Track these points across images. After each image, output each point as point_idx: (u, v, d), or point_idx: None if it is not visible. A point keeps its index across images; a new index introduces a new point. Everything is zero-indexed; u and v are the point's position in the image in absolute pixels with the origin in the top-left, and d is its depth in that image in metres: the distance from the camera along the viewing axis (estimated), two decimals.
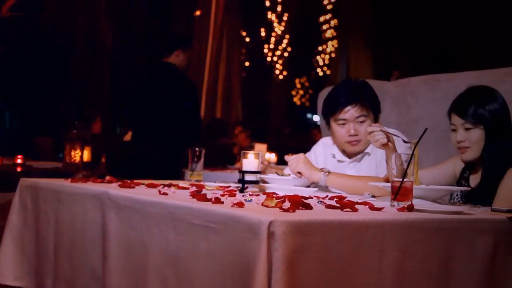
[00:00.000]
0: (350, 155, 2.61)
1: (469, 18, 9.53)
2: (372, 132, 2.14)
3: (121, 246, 1.77)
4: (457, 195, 2.24)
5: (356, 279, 1.39)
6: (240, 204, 1.51)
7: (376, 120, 2.57)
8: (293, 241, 1.29)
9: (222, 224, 1.42)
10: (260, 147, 5.14)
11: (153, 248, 1.63)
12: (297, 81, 14.52)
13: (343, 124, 2.51)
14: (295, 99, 14.56)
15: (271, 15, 12.30)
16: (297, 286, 1.29)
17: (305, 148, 2.88)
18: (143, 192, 1.85)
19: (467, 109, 2.12)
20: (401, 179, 1.72)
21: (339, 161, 2.64)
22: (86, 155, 3.07)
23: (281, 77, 13.09)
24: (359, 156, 2.57)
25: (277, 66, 12.83)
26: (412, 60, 10.63)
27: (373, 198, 2.10)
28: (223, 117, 9.04)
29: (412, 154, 1.74)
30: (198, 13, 9.67)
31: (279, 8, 12.33)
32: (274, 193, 1.99)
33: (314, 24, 12.86)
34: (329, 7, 12.77)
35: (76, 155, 3.01)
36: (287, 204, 1.52)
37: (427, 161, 2.91)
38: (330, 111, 2.55)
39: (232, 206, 1.50)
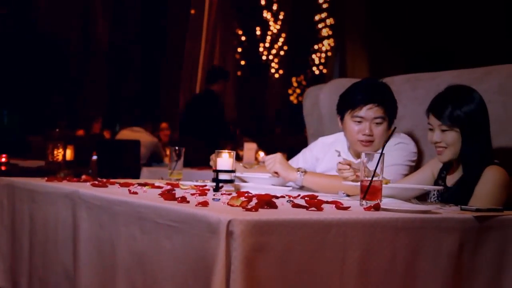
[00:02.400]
0: (356, 155, 2.57)
1: (466, 18, 9.54)
2: (340, 169, 2.11)
3: (91, 246, 1.78)
4: (433, 194, 2.24)
5: (319, 279, 1.39)
6: (204, 204, 1.51)
7: (390, 125, 2.51)
8: (252, 240, 1.30)
9: (184, 223, 1.42)
10: (250, 145, 5.12)
11: (121, 248, 1.64)
12: (293, 79, 14.51)
13: (359, 122, 2.47)
14: (292, 98, 14.54)
15: (266, 14, 12.30)
16: (256, 285, 1.30)
17: (294, 148, 2.86)
18: (112, 191, 1.85)
19: (444, 111, 2.12)
20: (370, 179, 1.72)
21: (344, 159, 2.60)
22: (69, 154, 3.07)
23: (277, 75, 13.08)
24: None
25: (273, 64, 12.83)
26: (409, 59, 10.64)
27: (347, 197, 2.11)
28: None
29: (382, 153, 1.74)
30: (192, 12, 9.67)
31: (274, 7, 12.33)
32: (247, 192, 1.99)
33: (310, 22, 12.86)
34: (324, 5, 12.79)
35: (58, 154, 3.01)
36: (253, 203, 1.52)
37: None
38: (348, 106, 2.50)
39: (196, 205, 1.50)
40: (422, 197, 2.16)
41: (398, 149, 2.46)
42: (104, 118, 9.10)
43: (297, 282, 1.36)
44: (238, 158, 5.99)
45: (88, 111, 9.39)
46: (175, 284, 1.43)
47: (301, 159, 2.77)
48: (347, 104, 2.51)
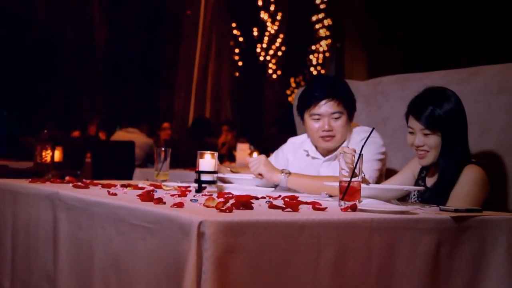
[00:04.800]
0: (324, 153, 2.61)
1: (466, 17, 9.54)
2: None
3: (70, 247, 1.78)
4: (414, 195, 2.24)
5: (292, 280, 1.39)
6: (179, 205, 1.51)
7: (350, 118, 2.56)
8: (224, 241, 1.29)
9: (158, 224, 1.42)
10: (243, 146, 5.13)
11: (98, 248, 1.64)
12: (292, 80, 14.51)
13: (318, 119, 2.50)
14: (290, 99, 14.53)
15: (263, 15, 12.30)
16: (228, 286, 1.29)
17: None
18: (92, 193, 1.85)
19: (423, 112, 2.12)
20: (348, 179, 1.72)
21: (313, 158, 2.64)
22: (57, 155, 3.07)
23: (274, 76, 13.07)
24: (333, 154, 2.57)
25: (270, 65, 12.82)
26: (407, 60, 10.64)
27: (329, 198, 2.10)
28: (212, 117, 9.04)
29: (360, 154, 1.74)
30: (188, 12, 9.67)
31: (272, 8, 12.32)
32: (229, 193, 1.99)
33: (307, 23, 12.85)
34: (322, 6, 12.78)
35: (47, 155, 3.01)
36: (229, 204, 1.52)
37: (396, 160, 2.92)
38: (305, 105, 2.54)
39: (171, 206, 1.50)
40: (404, 198, 2.17)
41: (367, 145, 2.47)
42: (101, 119, 9.10)
43: (270, 282, 1.36)
44: (233, 159, 6.00)
45: (84, 113, 9.39)
46: (149, 284, 1.43)
47: (273, 160, 2.78)
48: (304, 103, 2.55)
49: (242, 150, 5.04)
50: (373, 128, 1.93)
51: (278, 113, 13.35)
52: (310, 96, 2.53)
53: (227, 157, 6.56)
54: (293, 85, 14.55)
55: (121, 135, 6.58)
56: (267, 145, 6.28)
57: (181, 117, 9.24)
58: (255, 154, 5.69)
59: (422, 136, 2.13)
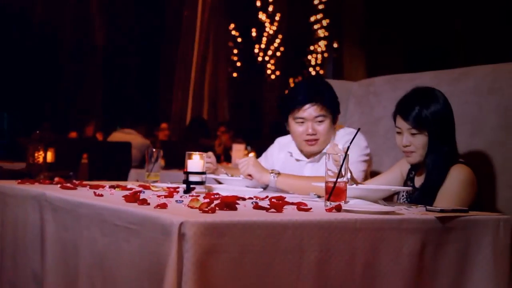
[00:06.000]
0: (308, 155, 2.62)
1: (465, 17, 9.54)
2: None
3: (56, 248, 1.78)
4: (402, 195, 2.24)
5: (275, 280, 1.39)
6: (163, 206, 1.51)
7: (334, 121, 2.57)
8: (205, 242, 1.29)
9: (141, 225, 1.42)
10: (239, 146, 5.13)
11: (83, 250, 1.64)
12: (291, 80, 14.51)
13: (302, 122, 2.51)
14: None
15: (262, 15, 12.29)
16: (209, 287, 1.29)
17: None
18: (78, 194, 1.85)
19: (411, 112, 2.12)
20: (334, 179, 1.72)
21: (297, 160, 2.64)
22: (50, 156, 3.07)
23: (273, 76, 13.07)
24: (317, 156, 2.58)
25: (269, 66, 12.82)
26: (407, 59, 10.64)
27: (318, 198, 2.10)
28: (210, 117, 9.03)
29: (346, 154, 1.74)
30: (185, 13, 9.67)
31: (270, 8, 12.32)
32: (216, 193, 1.99)
33: (306, 23, 12.85)
34: (320, 6, 12.78)
35: (39, 156, 3.00)
36: (214, 205, 1.52)
37: (388, 160, 2.92)
38: (289, 109, 2.54)
39: (155, 207, 1.50)
40: (391, 198, 2.17)
41: (352, 147, 2.47)
42: (99, 120, 9.10)
43: (253, 283, 1.36)
44: (230, 160, 6.00)
45: (82, 114, 9.40)
46: (132, 286, 1.43)
47: (263, 160, 2.78)
48: (287, 107, 2.55)
49: (238, 150, 5.03)
50: (359, 129, 1.93)
51: (277, 114, 13.34)
52: (294, 99, 2.53)
53: (223, 156, 6.56)
54: (292, 85, 14.53)
55: (117, 136, 6.56)
56: (265, 146, 6.27)
57: (179, 118, 9.24)
58: (250, 155, 5.70)
59: (409, 136, 2.13)
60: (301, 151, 2.63)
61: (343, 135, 2.55)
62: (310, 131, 2.50)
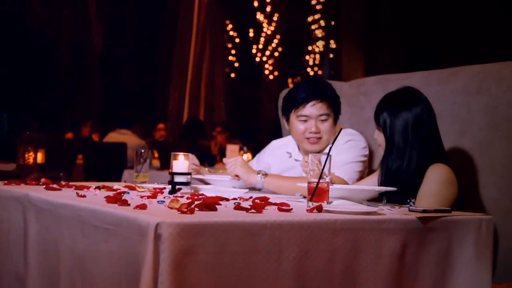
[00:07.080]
0: (307, 154, 2.58)
1: (465, 17, 9.54)
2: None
3: (39, 248, 1.78)
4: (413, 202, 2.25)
5: (253, 280, 1.39)
6: (142, 206, 1.51)
7: (335, 121, 2.55)
8: (181, 243, 1.29)
9: (119, 226, 1.42)
10: (233, 147, 5.12)
11: (64, 250, 1.64)
12: (289, 80, 14.50)
13: (304, 120, 2.49)
14: None
15: (259, 16, 12.29)
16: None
17: None
18: (60, 195, 1.85)
19: (379, 116, 2.17)
20: (316, 180, 1.72)
21: (296, 160, 2.63)
22: (40, 157, 3.07)
23: (271, 77, 13.07)
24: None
25: (267, 66, 12.82)
26: (405, 59, 10.63)
27: (303, 199, 2.10)
28: (206, 118, 9.03)
29: (328, 155, 1.74)
30: (181, 13, 9.67)
31: (268, 9, 12.32)
32: (201, 194, 1.99)
33: (303, 24, 12.86)
34: (318, 7, 12.78)
35: (29, 157, 3.00)
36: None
37: (377, 161, 2.91)
38: (292, 106, 2.52)
39: (134, 208, 1.50)
40: (378, 199, 2.16)
41: (350, 147, 2.47)
42: (95, 121, 9.10)
43: (230, 284, 1.36)
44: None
45: (78, 114, 9.40)
46: (110, 286, 1.43)
47: (255, 163, 2.78)
48: (290, 104, 2.53)
49: (232, 151, 5.02)
50: (341, 129, 1.93)
51: (275, 114, 13.35)
52: (298, 96, 2.51)
53: (219, 156, 6.55)
54: (290, 85, 14.53)
55: (113, 136, 6.56)
56: (262, 146, 6.27)
57: (175, 118, 9.25)
58: (245, 156, 5.70)
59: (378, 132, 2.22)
60: (300, 150, 2.61)
61: (342, 135, 2.52)
62: (314, 129, 2.47)
